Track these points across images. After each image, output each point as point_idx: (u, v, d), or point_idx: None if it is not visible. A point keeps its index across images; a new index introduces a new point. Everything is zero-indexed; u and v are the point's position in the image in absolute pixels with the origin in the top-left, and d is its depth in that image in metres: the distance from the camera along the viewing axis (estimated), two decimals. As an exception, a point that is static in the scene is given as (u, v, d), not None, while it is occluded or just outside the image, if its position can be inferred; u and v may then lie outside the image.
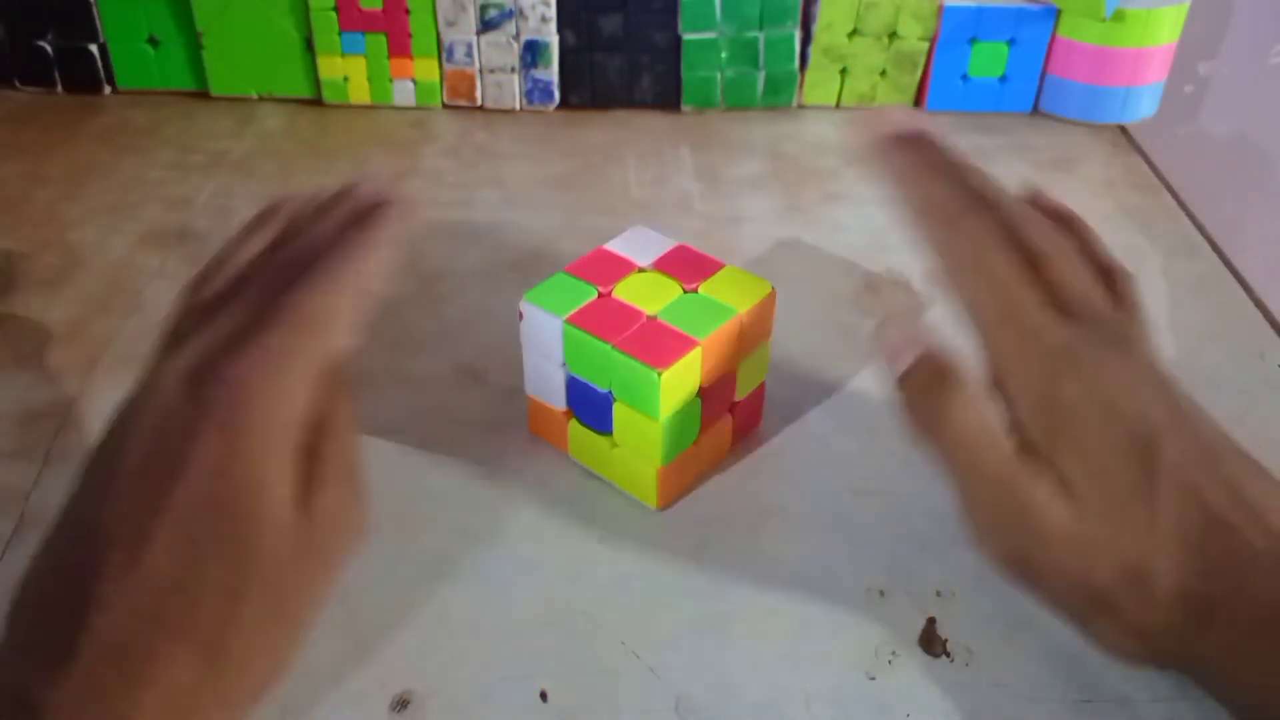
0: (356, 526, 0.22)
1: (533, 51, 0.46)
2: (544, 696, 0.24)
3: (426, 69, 0.47)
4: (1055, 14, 0.46)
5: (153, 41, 0.47)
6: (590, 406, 0.28)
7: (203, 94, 0.48)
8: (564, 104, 0.48)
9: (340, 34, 0.46)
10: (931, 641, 0.26)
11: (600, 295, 0.28)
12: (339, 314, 0.22)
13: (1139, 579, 0.21)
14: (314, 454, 0.21)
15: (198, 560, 0.19)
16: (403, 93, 0.48)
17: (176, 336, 0.23)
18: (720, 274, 0.29)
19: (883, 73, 0.48)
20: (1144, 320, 0.24)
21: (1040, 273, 0.23)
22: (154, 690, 0.18)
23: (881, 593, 0.27)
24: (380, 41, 0.46)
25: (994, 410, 0.24)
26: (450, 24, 0.46)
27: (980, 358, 0.25)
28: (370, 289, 0.23)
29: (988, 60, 0.47)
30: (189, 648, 0.19)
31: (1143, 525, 0.21)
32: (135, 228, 0.40)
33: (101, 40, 0.47)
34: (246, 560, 0.20)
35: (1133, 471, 0.22)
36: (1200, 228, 0.42)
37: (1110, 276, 0.24)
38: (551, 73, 0.47)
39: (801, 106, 0.49)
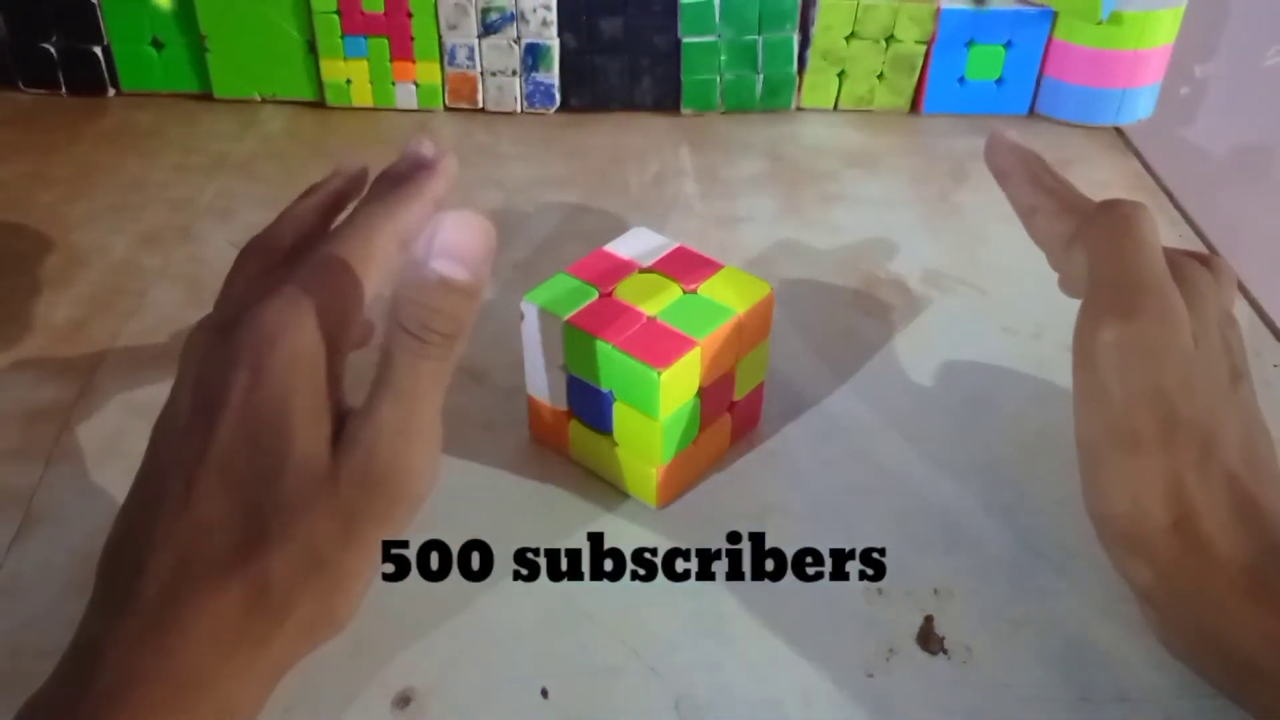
0: (400, 495, 0.22)
1: (533, 54, 0.47)
2: (544, 695, 0.24)
3: (428, 72, 0.47)
4: (1052, 16, 0.46)
5: (156, 44, 0.47)
6: (590, 406, 0.29)
7: (206, 96, 0.48)
8: (564, 106, 0.48)
9: (343, 37, 0.46)
10: (929, 640, 0.26)
11: (601, 296, 0.29)
12: (370, 260, 0.23)
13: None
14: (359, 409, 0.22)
15: (237, 497, 0.21)
16: (405, 95, 0.48)
17: (219, 301, 0.24)
18: (719, 274, 0.29)
19: (880, 75, 0.48)
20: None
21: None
22: (200, 625, 0.20)
23: (880, 591, 0.27)
24: (382, 44, 0.46)
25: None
26: (452, 27, 0.46)
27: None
28: (404, 240, 0.24)
29: (985, 63, 0.47)
30: (233, 584, 0.20)
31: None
32: (138, 229, 0.40)
33: (105, 42, 0.47)
34: (271, 497, 0.21)
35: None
36: (1197, 229, 0.42)
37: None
38: (552, 75, 0.47)
39: (800, 109, 0.49)
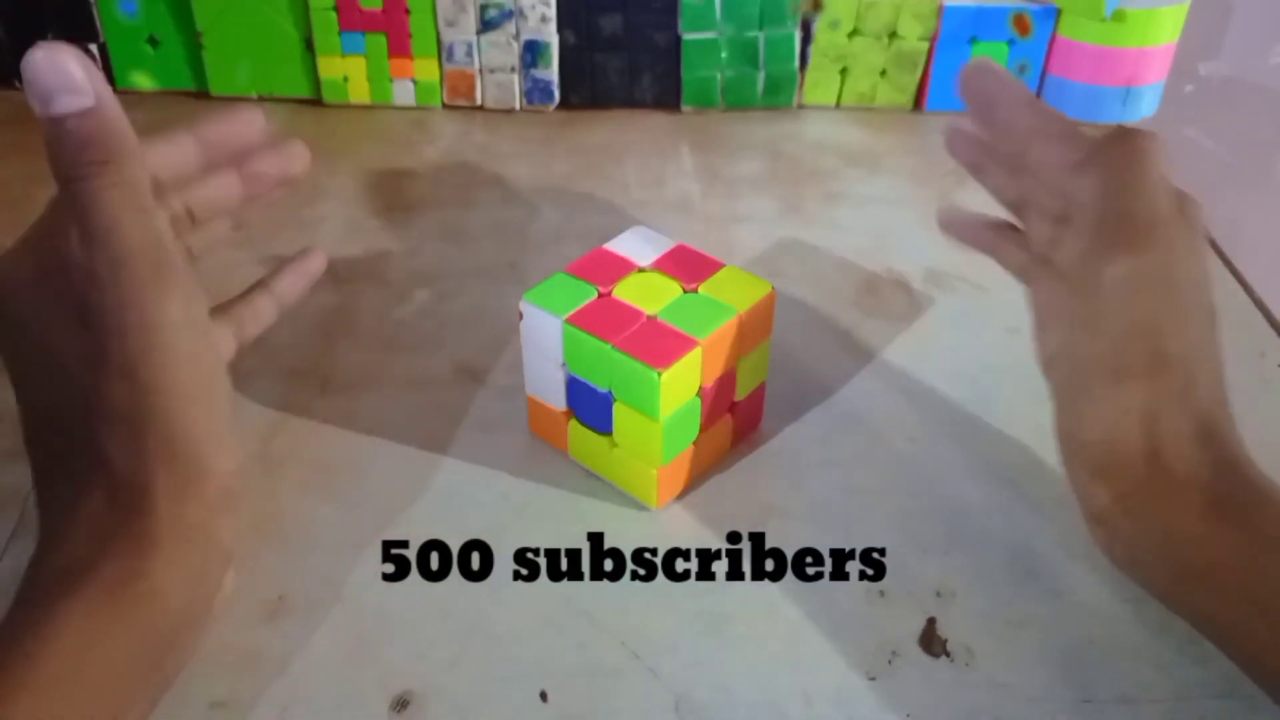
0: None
1: (532, 51, 0.46)
2: (544, 697, 0.24)
3: (426, 69, 0.47)
4: (1055, 14, 0.46)
5: (152, 41, 0.47)
6: (590, 406, 0.28)
7: (202, 94, 0.48)
8: (564, 104, 0.48)
9: (340, 34, 0.46)
10: (931, 641, 0.26)
11: (600, 295, 0.28)
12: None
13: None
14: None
15: (51, 427, 0.23)
16: (403, 92, 0.48)
17: None
18: (720, 274, 0.29)
19: (883, 72, 0.48)
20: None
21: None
22: (77, 522, 0.22)
23: (881, 593, 0.27)
24: (380, 41, 0.46)
25: None
26: (450, 24, 0.46)
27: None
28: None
29: (988, 60, 0.47)
30: (93, 484, 0.22)
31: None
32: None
33: (101, 40, 0.47)
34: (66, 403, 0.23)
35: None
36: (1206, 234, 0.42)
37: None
38: (551, 72, 0.47)
39: (801, 106, 0.49)
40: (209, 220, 0.28)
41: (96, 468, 0.22)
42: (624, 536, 0.28)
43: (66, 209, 0.23)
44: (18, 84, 0.48)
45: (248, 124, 0.28)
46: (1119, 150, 0.25)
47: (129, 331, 0.22)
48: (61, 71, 0.21)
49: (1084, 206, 0.25)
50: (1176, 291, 0.24)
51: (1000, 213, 0.30)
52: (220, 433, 0.23)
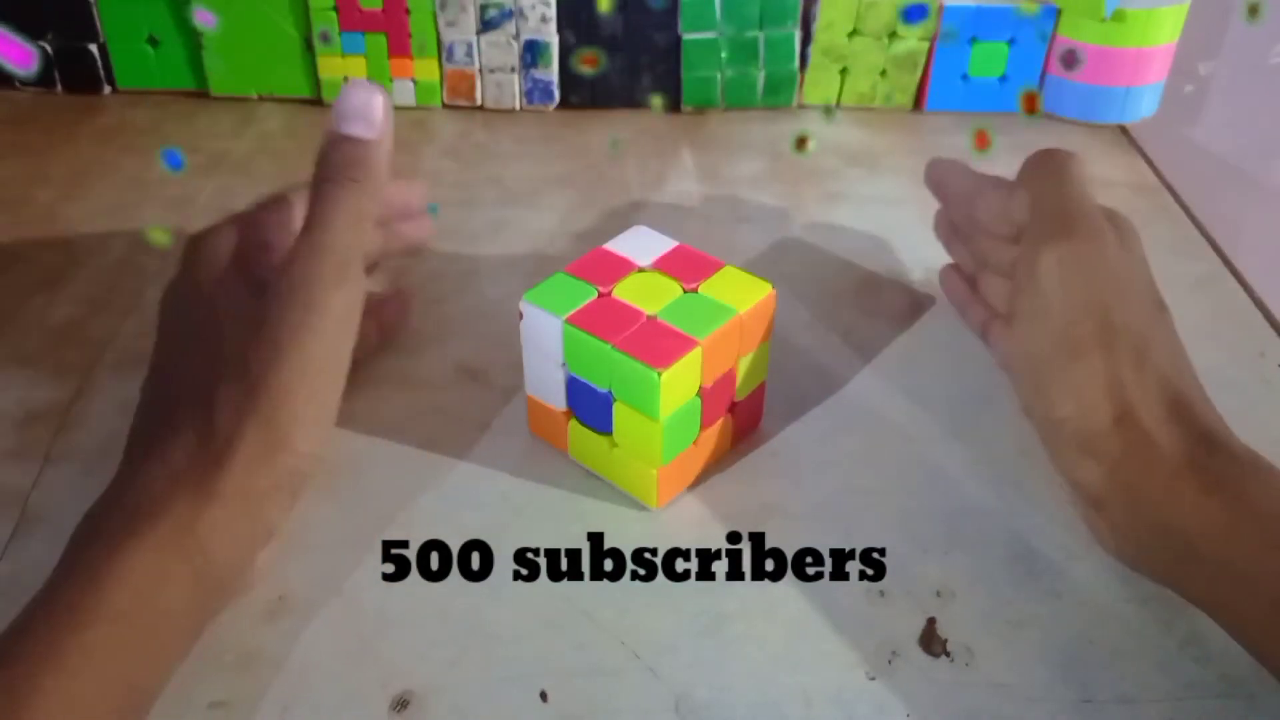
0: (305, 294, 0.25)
1: (532, 51, 0.46)
2: (544, 696, 0.24)
3: (426, 69, 0.47)
4: (1055, 14, 0.46)
5: (153, 41, 0.47)
6: (590, 406, 0.28)
7: (203, 94, 0.48)
8: (564, 104, 0.48)
9: (340, 34, 0.46)
10: (931, 641, 0.26)
11: (600, 295, 0.28)
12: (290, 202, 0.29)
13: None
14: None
15: (190, 374, 0.26)
16: (403, 92, 0.48)
17: None
18: (720, 274, 0.29)
19: (883, 72, 0.48)
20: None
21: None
22: (153, 463, 0.24)
23: (881, 593, 0.27)
24: (380, 41, 0.46)
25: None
26: (450, 24, 0.46)
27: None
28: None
29: (988, 60, 0.47)
30: (183, 427, 0.24)
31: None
32: (135, 228, 0.40)
33: (101, 40, 0.47)
34: (212, 357, 0.25)
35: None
36: (1200, 228, 0.42)
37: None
38: (551, 72, 0.47)
39: (801, 106, 0.49)
40: None
41: (199, 413, 0.24)
42: (624, 536, 0.28)
43: (282, 211, 0.28)
44: (18, 84, 0.48)
45: (416, 195, 0.33)
46: (1042, 163, 0.29)
47: (295, 305, 0.24)
48: (368, 105, 0.26)
49: (1023, 223, 0.29)
50: (1112, 270, 0.27)
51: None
52: (317, 419, 0.25)
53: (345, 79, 0.44)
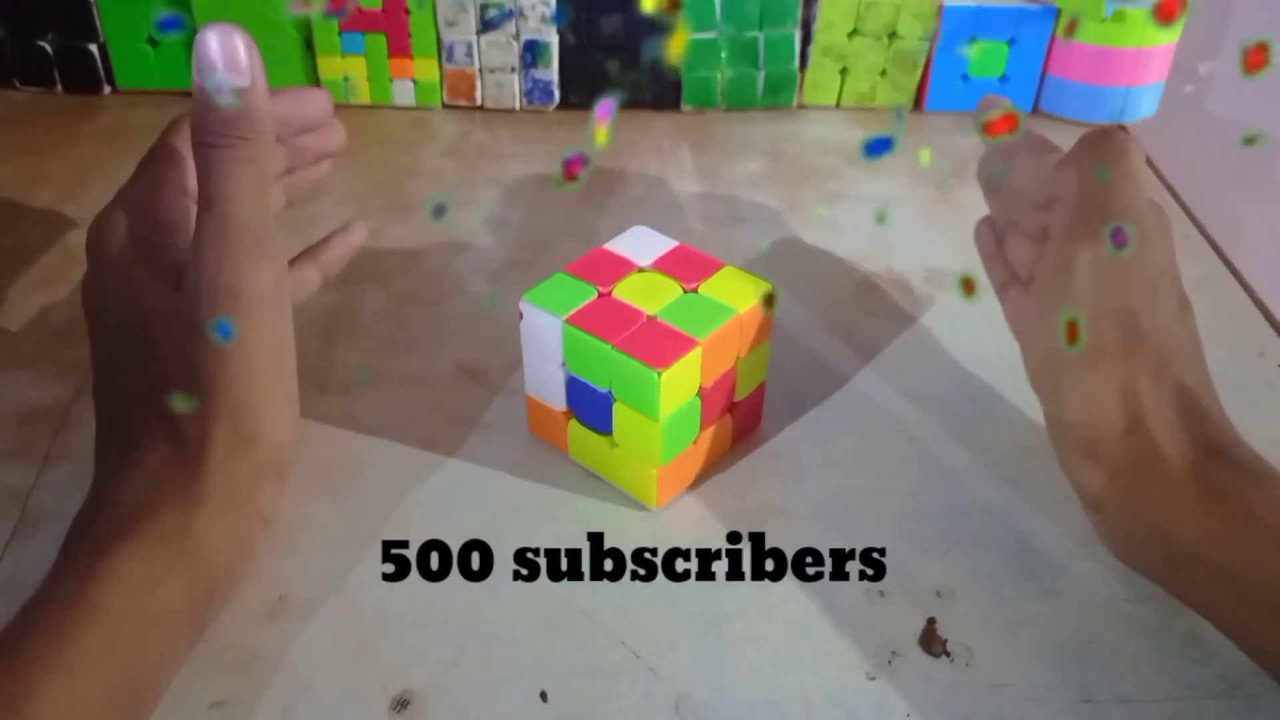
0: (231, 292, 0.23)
1: (532, 51, 0.46)
2: (544, 696, 0.24)
3: (426, 69, 0.47)
4: (1055, 14, 0.46)
5: (153, 41, 0.47)
6: (590, 406, 0.28)
7: (203, 94, 0.48)
8: (564, 104, 0.48)
9: (340, 34, 0.46)
10: (931, 641, 0.26)
11: (600, 295, 0.28)
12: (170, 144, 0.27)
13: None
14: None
15: (133, 381, 0.25)
16: (403, 92, 0.48)
17: None
18: (720, 274, 0.29)
19: (883, 72, 0.48)
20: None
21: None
22: (135, 472, 0.24)
23: (881, 593, 0.27)
24: (380, 41, 0.46)
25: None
26: (450, 24, 0.46)
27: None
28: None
29: (988, 60, 0.47)
30: (158, 438, 0.24)
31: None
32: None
33: (101, 40, 0.47)
34: (148, 361, 0.24)
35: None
36: (1200, 228, 0.42)
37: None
38: (551, 72, 0.47)
39: (801, 106, 0.49)
40: None
41: (163, 422, 0.24)
42: (624, 536, 0.28)
43: (174, 173, 0.26)
44: (18, 84, 0.48)
45: (315, 106, 0.30)
46: (1100, 145, 0.27)
47: (220, 294, 0.23)
48: (229, 50, 0.23)
49: (1064, 201, 0.27)
50: (1148, 274, 0.26)
51: None
52: (280, 405, 0.24)
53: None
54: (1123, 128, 0.48)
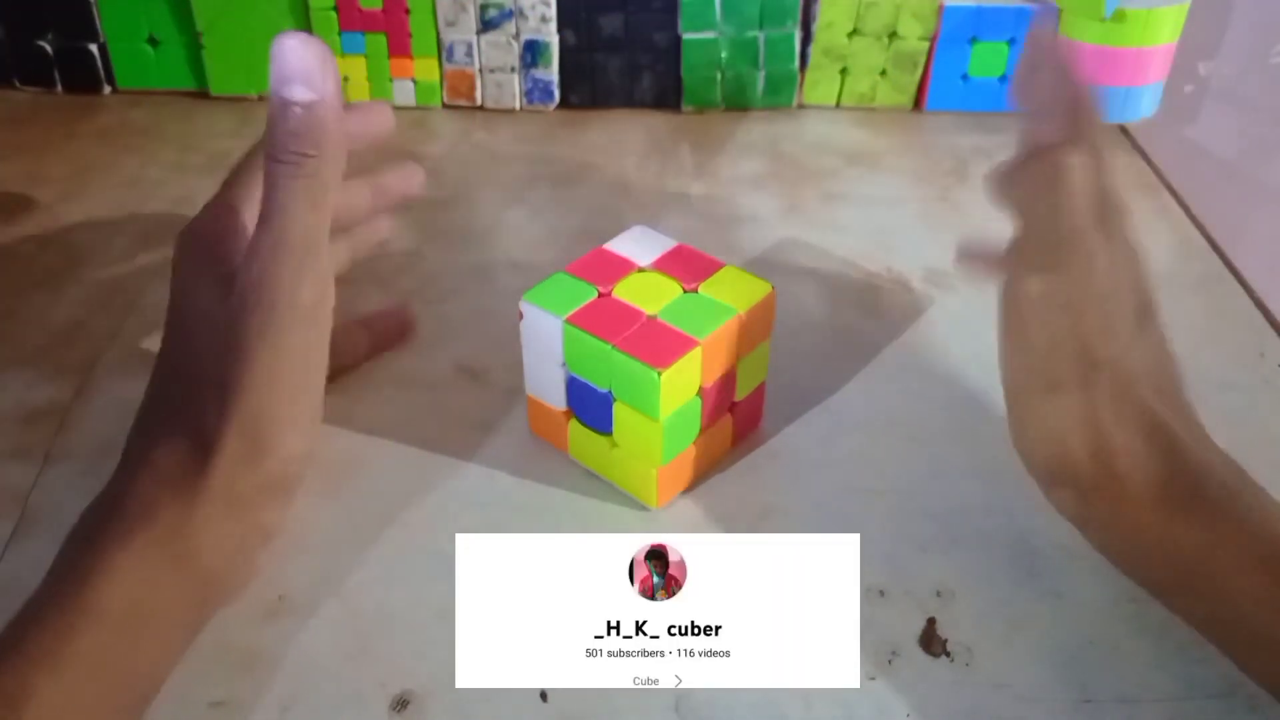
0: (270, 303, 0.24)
1: (532, 51, 0.46)
2: (544, 696, 0.24)
3: (426, 69, 0.47)
4: (1056, 14, 0.46)
5: (152, 41, 0.47)
6: (590, 406, 0.28)
7: (203, 94, 0.48)
8: (564, 104, 0.48)
9: (340, 34, 0.46)
10: (931, 641, 0.26)
11: (600, 295, 0.28)
12: (239, 185, 0.27)
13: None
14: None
15: (176, 382, 0.26)
16: (403, 92, 0.48)
17: None
18: (720, 274, 0.29)
19: (883, 72, 0.48)
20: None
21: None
22: (149, 469, 0.24)
23: (881, 593, 0.27)
24: (380, 41, 0.46)
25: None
26: (450, 24, 0.46)
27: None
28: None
29: (988, 60, 0.47)
30: (176, 436, 0.24)
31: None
32: (135, 228, 0.40)
33: (101, 40, 0.47)
34: (193, 365, 0.25)
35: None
36: (1200, 228, 0.42)
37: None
38: (551, 72, 0.47)
39: (801, 106, 0.49)
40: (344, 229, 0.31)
41: (185, 421, 0.24)
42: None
43: (255, 183, 0.26)
44: (18, 84, 0.48)
45: (381, 122, 0.29)
46: (1036, 170, 0.25)
47: (259, 307, 0.24)
48: (304, 62, 0.23)
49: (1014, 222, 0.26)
50: (1097, 303, 0.24)
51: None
52: (297, 420, 0.24)
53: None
54: (1123, 128, 0.48)
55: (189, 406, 0.24)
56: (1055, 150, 0.25)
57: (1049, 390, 0.25)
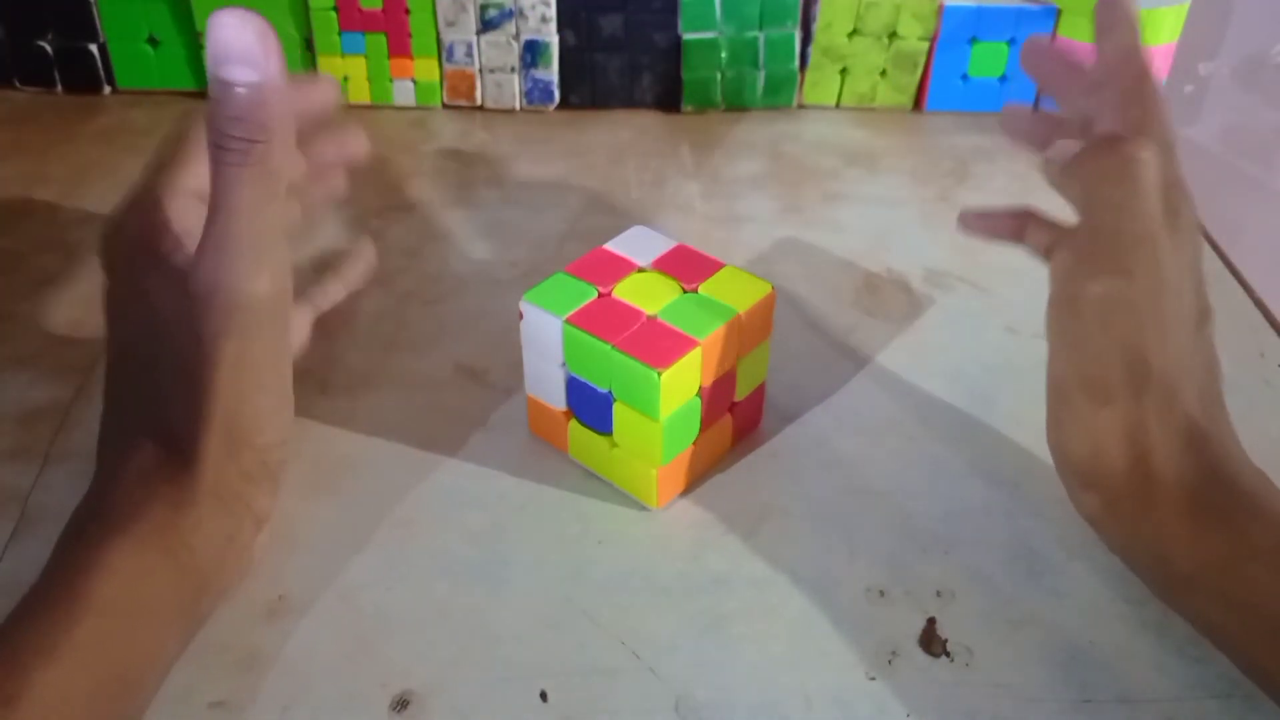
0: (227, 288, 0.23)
1: (532, 51, 0.46)
2: (544, 696, 0.24)
3: (426, 69, 0.47)
4: (1055, 14, 0.46)
5: (153, 41, 0.47)
6: (590, 406, 0.28)
7: (203, 94, 0.48)
8: (564, 104, 0.48)
9: (340, 34, 0.46)
10: (931, 641, 0.26)
11: (600, 295, 0.28)
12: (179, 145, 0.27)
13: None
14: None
15: (139, 379, 0.25)
16: (403, 93, 0.48)
17: None
18: (720, 274, 0.29)
19: (883, 73, 0.48)
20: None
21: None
22: (126, 473, 0.24)
23: (881, 593, 0.27)
24: (380, 41, 0.46)
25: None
26: (450, 24, 0.46)
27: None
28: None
29: (988, 60, 0.47)
30: (146, 439, 0.24)
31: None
32: (135, 228, 0.40)
33: (101, 40, 0.47)
34: (156, 364, 0.25)
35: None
36: (1200, 228, 0.42)
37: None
38: (551, 72, 0.47)
39: (801, 106, 0.49)
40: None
41: (157, 423, 0.24)
42: (624, 536, 0.28)
43: (184, 173, 0.25)
44: (18, 84, 0.48)
45: (326, 96, 0.28)
46: (1106, 163, 0.24)
47: (215, 308, 0.23)
48: (243, 39, 0.21)
49: (1073, 213, 0.25)
50: (1159, 310, 0.23)
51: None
52: (269, 412, 0.24)
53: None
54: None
55: (156, 409, 0.24)
56: (1126, 144, 0.23)
57: (1098, 396, 0.24)
